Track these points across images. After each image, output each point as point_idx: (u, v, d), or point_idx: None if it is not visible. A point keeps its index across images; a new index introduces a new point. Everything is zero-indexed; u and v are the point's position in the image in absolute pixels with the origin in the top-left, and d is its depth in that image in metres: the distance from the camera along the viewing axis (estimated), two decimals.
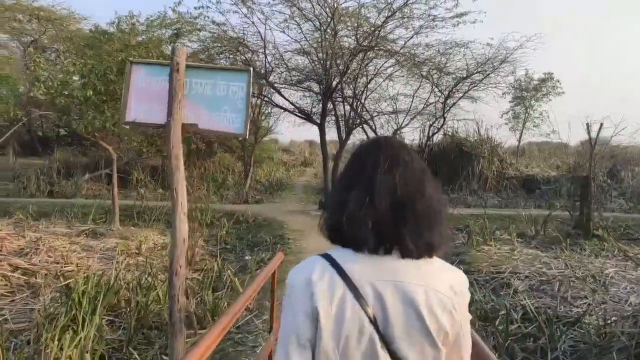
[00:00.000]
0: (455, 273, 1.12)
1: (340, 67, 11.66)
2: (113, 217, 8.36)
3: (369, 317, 1.02)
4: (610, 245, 7.52)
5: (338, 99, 14.07)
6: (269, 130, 18.50)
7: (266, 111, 16.78)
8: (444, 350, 1.05)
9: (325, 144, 13.17)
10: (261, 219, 10.16)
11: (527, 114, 22.84)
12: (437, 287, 1.06)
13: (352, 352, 1.02)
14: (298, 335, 1.04)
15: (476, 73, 14.11)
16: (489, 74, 14.35)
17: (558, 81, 22.09)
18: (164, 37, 11.49)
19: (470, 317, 1.12)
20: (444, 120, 15.57)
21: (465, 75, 14.04)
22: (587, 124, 7.92)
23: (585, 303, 4.96)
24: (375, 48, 11.50)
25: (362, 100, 14.22)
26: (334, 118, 14.13)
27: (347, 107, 14.09)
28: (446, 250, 1.15)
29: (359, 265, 1.06)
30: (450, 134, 16.96)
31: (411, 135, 22.55)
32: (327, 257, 1.09)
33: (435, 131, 16.11)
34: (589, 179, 7.70)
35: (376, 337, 1.02)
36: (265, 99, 14.71)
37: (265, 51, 11.65)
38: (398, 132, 16.03)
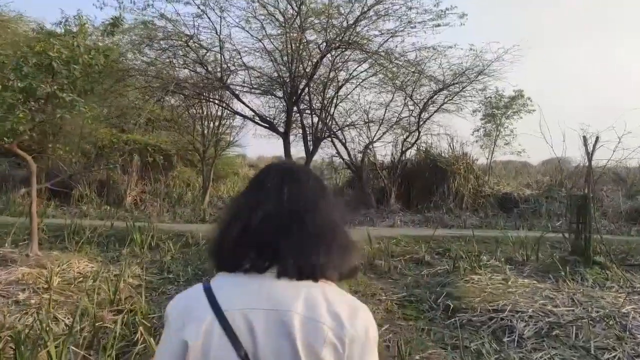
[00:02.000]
0: (348, 302, 0.97)
1: (307, 69, 10.49)
2: (32, 239, 6.89)
3: (238, 353, 0.90)
4: (613, 274, 6.59)
5: (306, 111, 12.98)
6: (231, 143, 17.21)
7: (227, 122, 15.52)
8: None
9: (290, 154, 11.94)
10: None
11: (498, 132, 22.45)
12: (318, 316, 0.92)
13: None
14: None
15: (452, 85, 13.33)
16: (465, 86, 13.59)
17: (529, 98, 21.76)
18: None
19: (375, 355, 0.95)
20: (419, 135, 14.70)
21: (441, 87, 13.21)
22: (584, 137, 7.07)
23: (614, 357, 3.92)
24: (348, 48, 10.42)
25: (331, 111, 13.16)
26: (300, 131, 12.99)
27: (315, 119, 12.99)
28: (345, 278, 1.01)
29: (230, 290, 0.96)
30: (424, 149, 16.08)
31: (383, 151, 21.73)
32: (205, 284, 1.00)
33: (408, 146, 15.22)
34: (587, 198, 6.79)
35: None
36: (228, 108, 13.45)
37: (221, 50, 10.37)
38: (370, 146, 15.06)
